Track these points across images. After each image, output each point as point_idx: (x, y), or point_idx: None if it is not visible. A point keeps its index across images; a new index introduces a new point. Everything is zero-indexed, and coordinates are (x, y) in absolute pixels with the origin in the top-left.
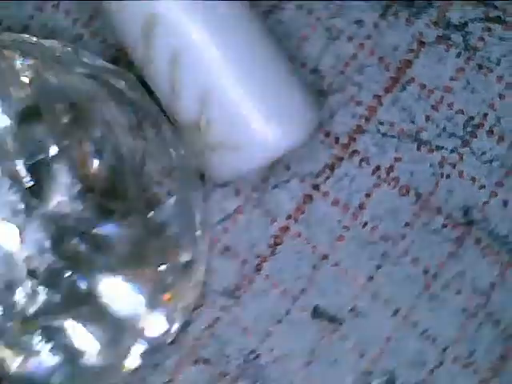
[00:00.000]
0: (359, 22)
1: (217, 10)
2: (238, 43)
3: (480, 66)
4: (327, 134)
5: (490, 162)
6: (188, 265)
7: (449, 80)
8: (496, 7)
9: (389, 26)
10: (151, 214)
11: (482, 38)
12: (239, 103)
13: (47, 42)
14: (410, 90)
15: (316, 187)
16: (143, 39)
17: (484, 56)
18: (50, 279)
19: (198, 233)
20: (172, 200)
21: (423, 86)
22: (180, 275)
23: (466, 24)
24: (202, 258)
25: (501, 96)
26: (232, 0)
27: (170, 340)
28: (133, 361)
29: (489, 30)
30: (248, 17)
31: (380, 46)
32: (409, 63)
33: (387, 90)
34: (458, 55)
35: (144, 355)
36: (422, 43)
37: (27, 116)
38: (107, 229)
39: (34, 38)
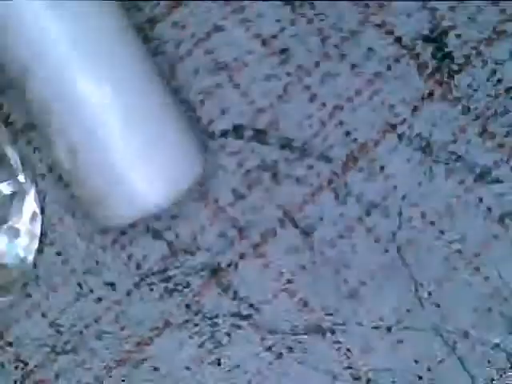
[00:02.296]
0: (112, 285)
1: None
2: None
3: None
4: None
5: None
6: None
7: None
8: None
9: (141, 297)
10: None
11: (228, 334)
12: (104, 158)
13: None
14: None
15: None
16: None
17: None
18: None
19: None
20: None
21: (157, 369)
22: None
23: (217, 316)
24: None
25: None
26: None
27: None
28: None
29: (238, 327)
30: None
31: (125, 314)
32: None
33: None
34: (202, 345)
35: None
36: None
37: None
38: None
39: None
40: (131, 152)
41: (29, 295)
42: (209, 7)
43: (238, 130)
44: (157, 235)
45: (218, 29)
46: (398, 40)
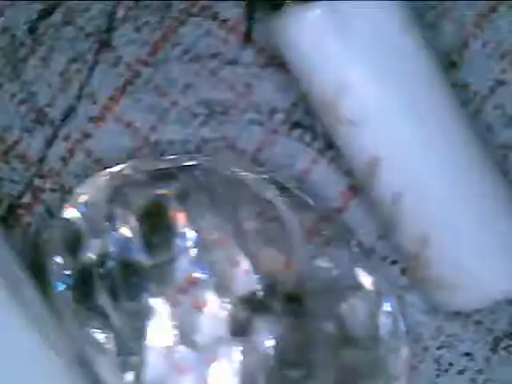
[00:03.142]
0: (469, 355)
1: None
2: (468, 186)
3: None
4: None
5: None
6: None
7: None
8: None
9: (500, 361)
10: None
11: None
12: (456, 246)
13: None
14: None
15: None
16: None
17: None
18: None
19: None
20: None
21: None
22: None
23: None
24: None
25: None
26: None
27: None
28: None
29: None
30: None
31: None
32: None
33: None
34: None
35: None
36: None
37: None
38: None
39: None
40: (479, 245)
41: None
42: None
43: None
44: None
45: None
46: None
